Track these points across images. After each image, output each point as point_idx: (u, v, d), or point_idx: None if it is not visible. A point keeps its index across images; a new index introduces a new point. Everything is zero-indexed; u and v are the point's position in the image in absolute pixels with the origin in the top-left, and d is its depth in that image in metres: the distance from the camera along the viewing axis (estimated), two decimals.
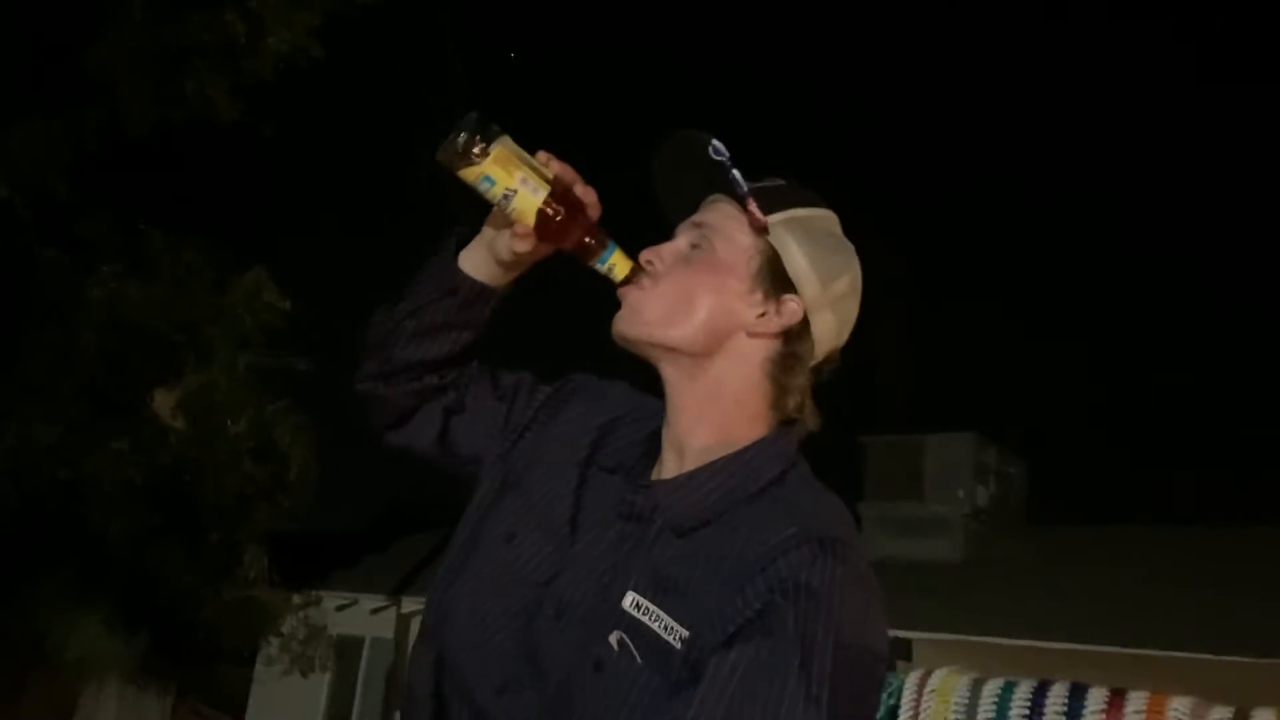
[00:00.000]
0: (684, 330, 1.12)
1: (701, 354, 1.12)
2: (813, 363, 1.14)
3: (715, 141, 1.13)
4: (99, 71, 8.34)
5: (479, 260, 1.22)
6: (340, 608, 12.51)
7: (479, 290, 1.22)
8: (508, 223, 1.14)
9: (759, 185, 1.14)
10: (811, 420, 1.14)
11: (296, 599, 12.43)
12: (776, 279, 1.12)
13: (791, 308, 1.12)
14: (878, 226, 1.21)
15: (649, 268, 1.15)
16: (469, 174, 1.10)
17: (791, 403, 1.13)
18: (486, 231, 1.20)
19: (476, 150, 1.09)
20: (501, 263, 1.20)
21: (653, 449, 1.17)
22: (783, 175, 1.19)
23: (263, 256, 10.21)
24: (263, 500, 10.46)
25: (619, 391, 1.28)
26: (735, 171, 1.12)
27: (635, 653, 1.02)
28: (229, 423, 10.11)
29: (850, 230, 1.20)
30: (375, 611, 12.29)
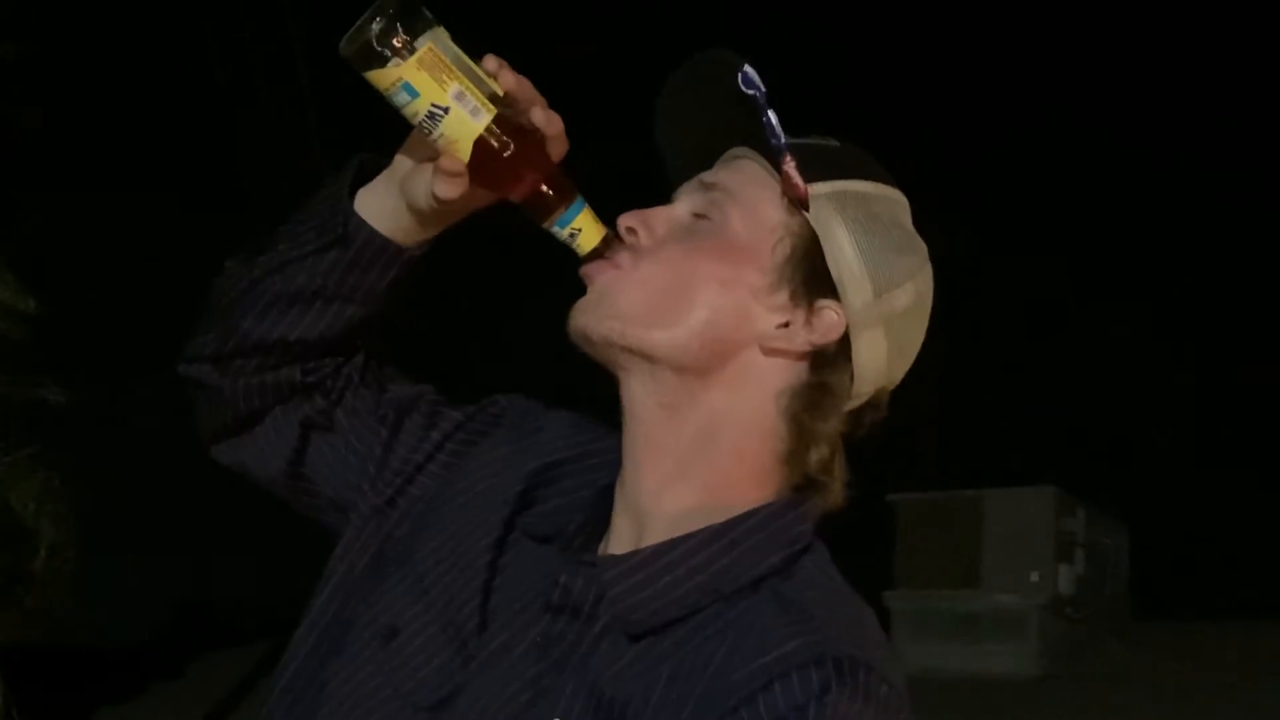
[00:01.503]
0: (673, 334, 1.11)
1: (693, 372, 1.12)
2: (850, 404, 1.15)
3: (748, 69, 1.11)
4: None
5: (385, 205, 1.20)
6: None
7: (379, 247, 1.20)
8: (432, 154, 1.12)
9: (803, 141, 1.14)
10: (837, 489, 1.14)
11: None
12: (812, 276, 1.12)
13: (828, 319, 1.12)
14: (915, 191, 1.24)
15: (630, 239, 1.15)
16: (381, 78, 1.08)
17: (814, 457, 1.13)
18: (400, 164, 1.18)
19: (397, 43, 1.07)
20: (417, 211, 1.17)
21: (602, 510, 1.17)
22: (839, 137, 1.20)
23: None
24: None
25: (563, 424, 1.29)
26: (772, 114, 1.11)
27: None
28: None
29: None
30: None
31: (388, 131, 1.17)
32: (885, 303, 1.13)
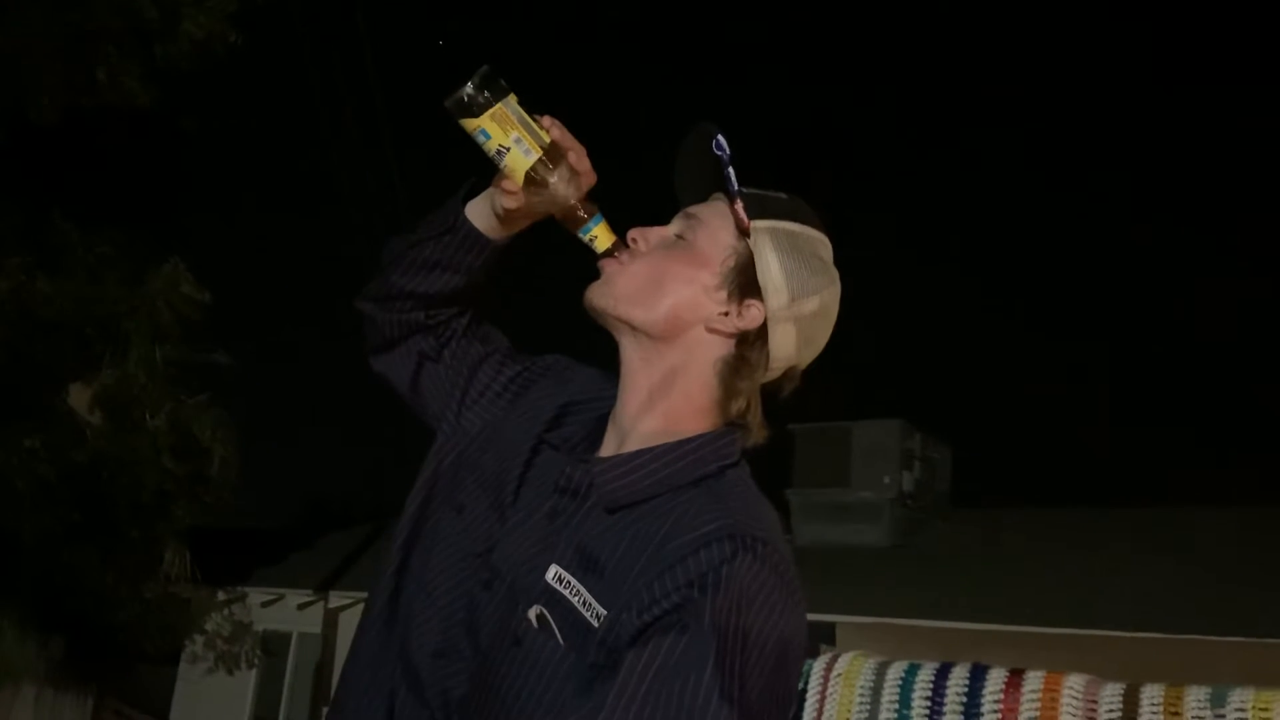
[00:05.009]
0: (648, 313, 1.12)
1: (660, 339, 1.12)
2: (767, 375, 1.14)
3: (720, 137, 1.12)
4: (2, 57, 8.09)
5: (481, 210, 1.23)
6: (266, 603, 12.32)
7: (474, 236, 1.23)
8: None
9: (756, 191, 1.14)
10: (758, 431, 1.13)
11: (221, 595, 12.24)
12: (746, 282, 1.11)
13: (752, 313, 1.11)
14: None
15: (632, 245, 1.15)
16: (468, 125, 1.12)
17: (735, 406, 1.12)
18: (493, 186, 1.22)
19: (480, 102, 1.11)
20: (497, 217, 1.21)
21: (600, 430, 1.17)
22: (789, 190, 1.18)
23: (180, 248, 10.01)
24: (183, 496, 10.27)
25: (587, 376, 1.27)
26: (730, 170, 1.11)
27: (555, 628, 1.02)
28: (147, 417, 9.92)
29: None
30: (302, 606, 12.12)
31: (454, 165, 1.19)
32: (797, 306, 1.12)
